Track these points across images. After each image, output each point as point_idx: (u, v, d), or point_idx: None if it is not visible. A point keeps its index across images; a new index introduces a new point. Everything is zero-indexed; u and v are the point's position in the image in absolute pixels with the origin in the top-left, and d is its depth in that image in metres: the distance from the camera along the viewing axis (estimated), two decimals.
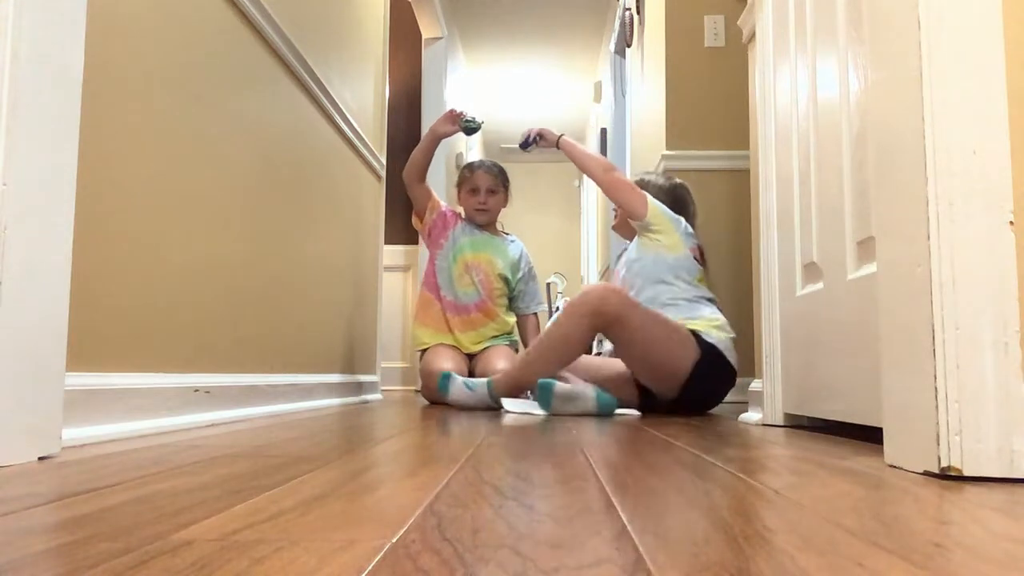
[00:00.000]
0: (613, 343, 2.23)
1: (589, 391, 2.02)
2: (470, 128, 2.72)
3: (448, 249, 2.88)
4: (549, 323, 2.21)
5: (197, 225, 1.53)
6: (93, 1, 1.15)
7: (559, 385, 2.01)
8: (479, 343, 2.86)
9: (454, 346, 2.85)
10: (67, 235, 0.99)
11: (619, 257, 2.62)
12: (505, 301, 2.93)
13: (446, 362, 2.70)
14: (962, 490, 0.75)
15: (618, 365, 2.31)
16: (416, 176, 2.84)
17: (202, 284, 1.56)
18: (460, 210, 2.99)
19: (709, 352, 2.18)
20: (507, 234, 3.01)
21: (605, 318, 2.10)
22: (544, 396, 2.01)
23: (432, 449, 1.07)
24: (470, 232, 2.90)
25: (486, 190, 2.88)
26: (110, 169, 1.22)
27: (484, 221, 2.90)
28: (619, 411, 2.09)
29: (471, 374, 2.82)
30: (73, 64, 1.00)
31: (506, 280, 2.90)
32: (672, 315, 2.26)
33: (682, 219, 2.43)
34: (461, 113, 2.73)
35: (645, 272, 2.36)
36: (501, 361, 2.73)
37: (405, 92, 4.91)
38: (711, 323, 2.26)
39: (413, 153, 2.80)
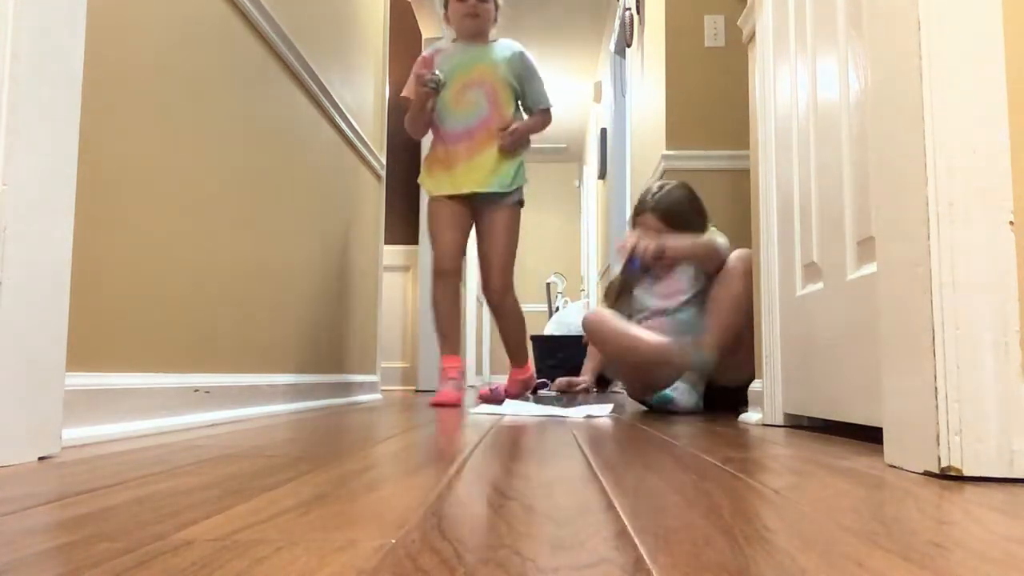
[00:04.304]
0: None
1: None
2: (437, 89, 2.58)
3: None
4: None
5: (197, 225, 1.53)
6: (93, 1, 1.14)
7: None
8: (484, 173, 2.61)
9: (456, 201, 2.64)
10: (67, 235, 0.99)
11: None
12: (514, 106, 2.70)
13: (448, 231, 2.60)
14: (962, 490, 0.75)
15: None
16: (421, 133, 2.72)
17: (202, 284, 1.56)
18: (430, 49, 2.74)
19: None
20: (497, 39, 2.75)
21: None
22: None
23: (432, 449, 1.07)
24: (458, 52, 2.67)
25: None
26: (110, 169, 1.22)
27: (474, 28, 2.65)
28: (591, 414, 2.03)
29: (478, 239, 2.71)
30: (73, 64, 1.00)
31: (512, 86, 2.68)
32: None
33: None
34: (428, 75, 2.53)
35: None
36: (502, 236, 2.64)
37: None
38: None
39: (408, 116, 2.66)
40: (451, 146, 2.63)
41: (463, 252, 2.65)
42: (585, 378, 2.69)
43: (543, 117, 2.73)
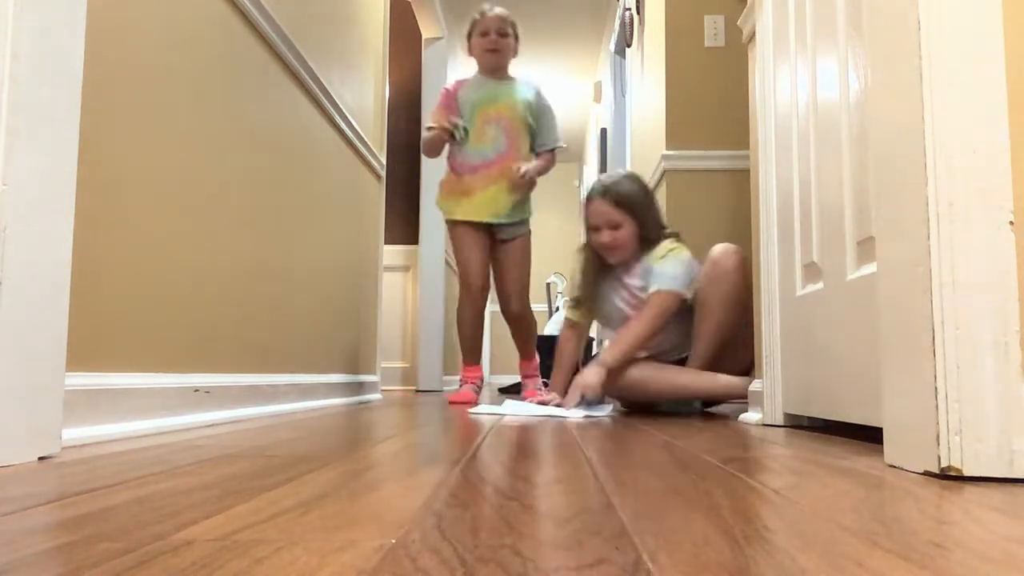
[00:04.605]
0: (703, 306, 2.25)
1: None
2: (463, 135, 2.76)
3: (462, 118, 2.85)
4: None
5: (197, 225, 1.53)
6: (93, 1, 1.15)
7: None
8: (499, 205, 2.81)
9: (476, 227, 2.84)
10: (67, 235, 0.99)
11: (607, 292, 2.40)
12: (529, 143, 2.88)
13: (474, 254, 2.82)
14: (962, 490, 0.75)
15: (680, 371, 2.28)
16: (435, 156, 2.91)
17: (202, 284, 1.56)
18: (458, 79, 2.95)
19: None
20: (518, 78, 2.95)
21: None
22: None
23: (432, 449, 1.07)
24: (480, 87, 2.86)
25: (496, 31, 2.85)
26: (110, 169, 1.22)
27: (495, 63, 2.86)
28: (591, 414, 2.01)
29: (495, 264, 2.90)
30: (73, 64, 1.00)
31: (529, 125, 2.87)
32: None
33: (696, 265, 2.32)
34: (452, 124, 2.72)
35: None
36: (519, 264, 2.85)
37: (405, 92, 4.90)
38: None
39: (426, 142, 2.82)
40: (467, 175, 2.83)
41: (488, 273, 2.91)
42: (554, 396, 2.46)
43: (552, 156, 2.94)
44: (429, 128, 2.81)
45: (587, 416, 1.95)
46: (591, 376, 2.14)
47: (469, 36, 2.92)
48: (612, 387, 2.23)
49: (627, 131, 4.74)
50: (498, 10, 2.91)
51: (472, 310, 2.90)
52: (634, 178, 2.41)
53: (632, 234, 2.31)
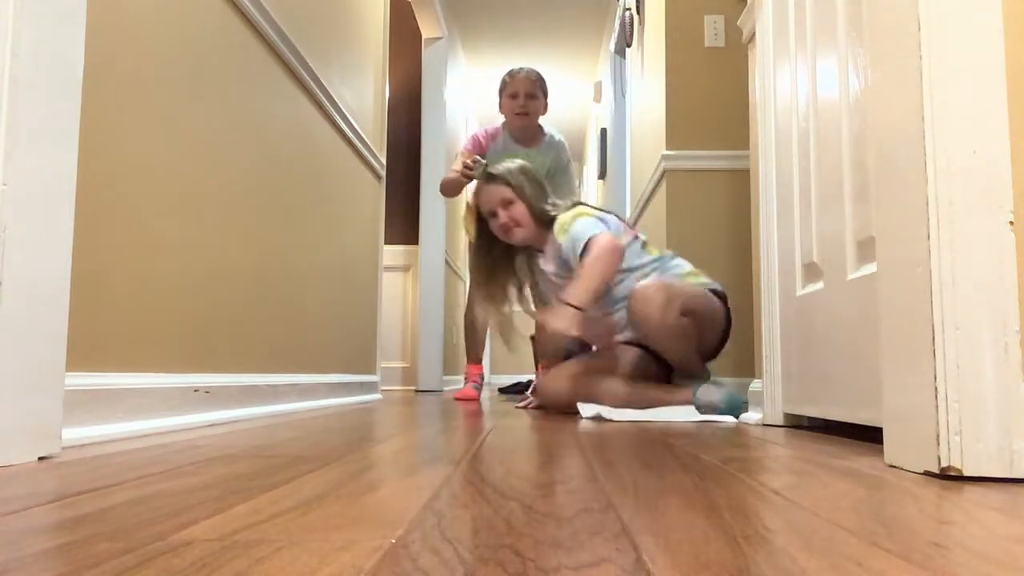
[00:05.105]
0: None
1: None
2: (484, 174, 2.76)
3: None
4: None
5: (197, 225, 1.53)
6: (93, 1, 1.14)
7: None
8: None
9: None
10: (67, 235, 0.99)
11: (548, 270, 2.33)
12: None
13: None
14: (962, 490, 0.75)
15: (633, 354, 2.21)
16: (453, 196, 3.06)
17: (202, 284, 1.56)
18: (488, 128, 3.05)
19: (723, 296, 2.25)
20: (545, 135, 3.05)
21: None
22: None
23: (432, 449, 1.07)
24: (507, 152, 2.93)
25: (525, 94, 2.96)
26: (110, 169, 1.22)
27: (523, 124, 2.98)
28: (713, 417, 1.91)
29: None
30: (73, 64, 1.00)
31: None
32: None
33: (607, 217, 2.26)
34: (474, 162, 2.73)
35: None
36: None
37: (405, 92, 4.91)
38: (697, 273, 2.27)
39: (447, 184, 2.91)
40: None
41: None
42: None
43: None
44: (453, 171, 2.90)
45: (705, 421, 1.83)
46: (561, 319, 1.96)
47: (500, 93, 3.03)
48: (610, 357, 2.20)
49: (627, 131, 4.74)
50: (526, 71, 3.02)
51: (479, 318, 3.10)
52: (516, 164, 2.41)
53: (526, 210, 2.30)
